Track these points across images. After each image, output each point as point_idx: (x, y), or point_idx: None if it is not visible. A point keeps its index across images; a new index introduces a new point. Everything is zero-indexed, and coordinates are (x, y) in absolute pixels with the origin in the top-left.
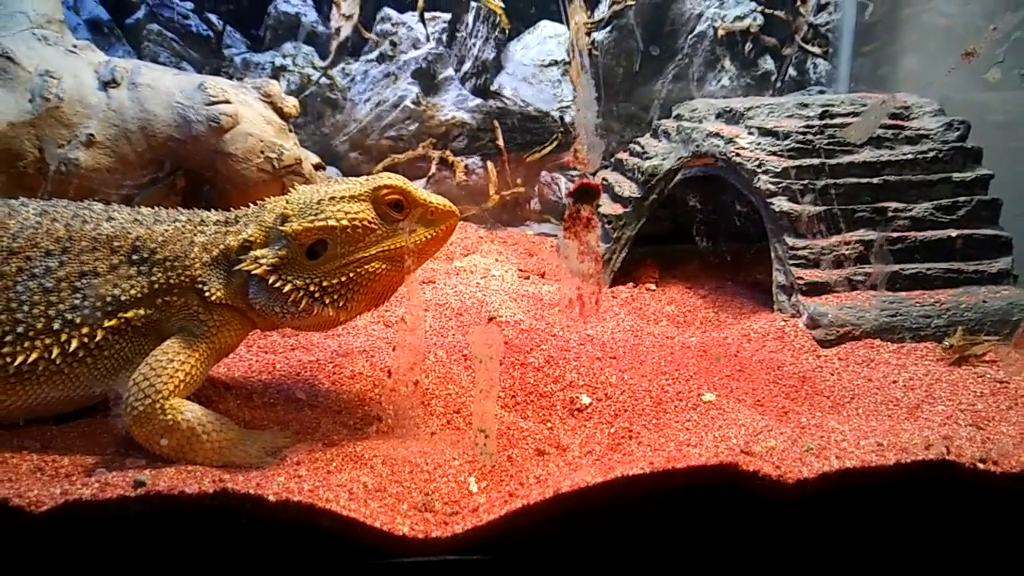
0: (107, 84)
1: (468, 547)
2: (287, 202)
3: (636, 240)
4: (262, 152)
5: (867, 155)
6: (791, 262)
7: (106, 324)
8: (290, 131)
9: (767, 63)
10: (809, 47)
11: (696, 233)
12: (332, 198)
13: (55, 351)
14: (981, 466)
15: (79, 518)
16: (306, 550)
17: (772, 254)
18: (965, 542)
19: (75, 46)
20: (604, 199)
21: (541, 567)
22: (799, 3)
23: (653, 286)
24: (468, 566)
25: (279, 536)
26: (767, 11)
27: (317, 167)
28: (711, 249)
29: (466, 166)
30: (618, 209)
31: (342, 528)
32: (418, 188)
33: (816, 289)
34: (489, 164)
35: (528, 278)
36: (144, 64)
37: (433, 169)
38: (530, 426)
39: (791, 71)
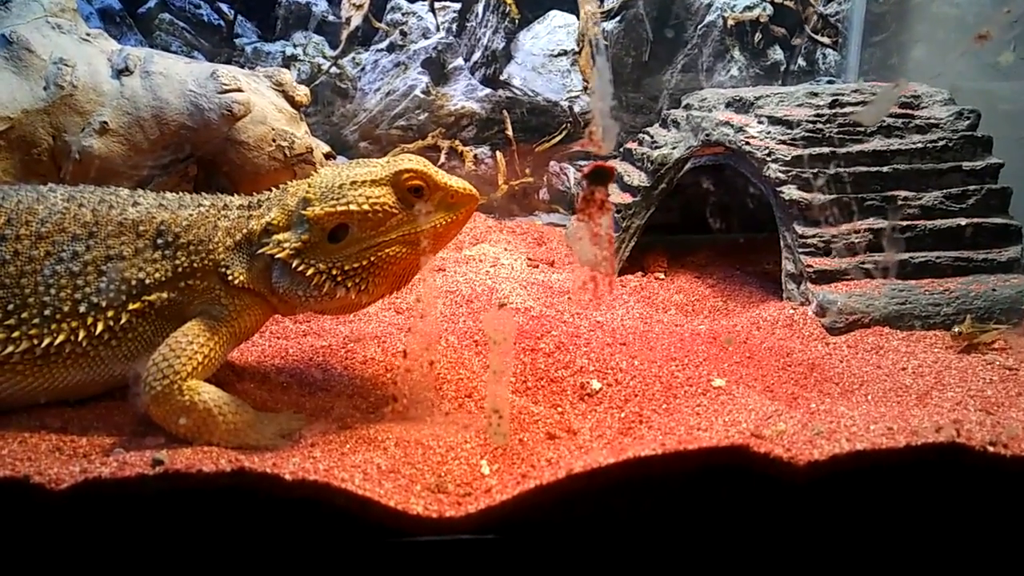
0: (120, 72)
1: (481, 527)
2: (309, 185)
3: (645, 229)
4: (273, 140)
5: (877, 144)
6: (800, 250)
7: (130, 307)
8: (301, 120)
9: (776, 53)
10: (818, 37)
11: (705, 222)
12: (354, 182)
13: (81, 333)
14: (991, 449)
15: (98, 496)
16: (321, 528)
17: (781, 242)
18: (974, 524)
19: (88, 35)
20: (613, 188)
21: (553, 546)
22: None
23: (662, 275)
24: (481, 545)
25: (294, 515)
26: (776, 1)
27: (327, 156)
28: (720, 238)
29: (475, 156)
30: (627, 198)
31: (357, 507)
32: (439, 171)
33: (825, 277)
34: (498, 154)
35: (537, 267)
36: (156, 52)
37: (442, 159)
38: (541, 411)
39: (800, 61)
